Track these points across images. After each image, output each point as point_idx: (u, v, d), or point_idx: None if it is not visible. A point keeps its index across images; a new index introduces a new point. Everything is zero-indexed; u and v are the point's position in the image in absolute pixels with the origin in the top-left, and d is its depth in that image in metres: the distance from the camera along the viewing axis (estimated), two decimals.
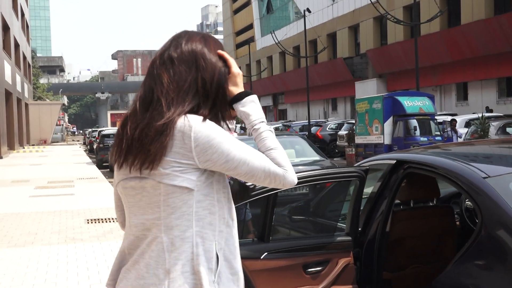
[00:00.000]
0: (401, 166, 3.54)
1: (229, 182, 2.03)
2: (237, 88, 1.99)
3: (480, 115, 18.26)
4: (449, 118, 20.42)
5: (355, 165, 3.96)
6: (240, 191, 2.49)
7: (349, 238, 3.58)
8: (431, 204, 3.95)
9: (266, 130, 1.96)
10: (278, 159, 1.90)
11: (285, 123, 37.45)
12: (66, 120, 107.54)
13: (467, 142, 4.79)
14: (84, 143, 53.42)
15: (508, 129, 17.67)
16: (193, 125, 1.83)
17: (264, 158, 1.89)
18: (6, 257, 7.69)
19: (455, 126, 17.08)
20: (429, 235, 3.89)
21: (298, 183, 3.39)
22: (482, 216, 2.67)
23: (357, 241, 3.62)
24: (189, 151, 1.83)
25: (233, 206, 1.99)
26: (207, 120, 1.87)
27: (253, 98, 1.99)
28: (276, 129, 31.07)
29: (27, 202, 13.13)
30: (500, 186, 2.72)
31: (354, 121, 22.04)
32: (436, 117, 19.22)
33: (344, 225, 3.79)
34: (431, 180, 3.86)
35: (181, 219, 1.86)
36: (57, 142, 60.38)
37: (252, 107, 1.98)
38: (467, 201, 4.39)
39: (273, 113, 60.20)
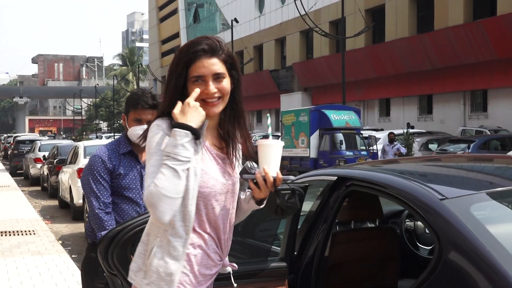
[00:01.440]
0: (343, 183, 3.17)
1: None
2: (182, 116, 2.02)
3: (404, 130, 18.43)
4: (374, 133, 20.53)
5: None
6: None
7: (284, 264, 3.16)
8: (372, 225, 3.61)
9: (165, 164, 1.97)
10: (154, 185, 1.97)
11: None
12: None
13: (411, 158, 4.51)
14: None
15: (431, 146, 17.89)
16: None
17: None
18: None
19: (393, 139, 16.45)
20: (370, 259, 3.54)
21: None
22: (440, 242, 2.33)
23: (292, 266, 3.21)
24: None
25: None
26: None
27: (179, 133, 1.98)
28: None
29: None
30: (458, 208, 2.40)
31: (280, 134, 21.92)
32: (361, 132, 19.25)
33: (277, 248, 3.37)
34: (374, 199, 3.52)
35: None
36: None
37: (172, 139, 2.00)
38: (407, 221, 4.08)
39: None
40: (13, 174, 24.04)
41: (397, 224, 4.11)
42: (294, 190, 2.21)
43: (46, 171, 17.45)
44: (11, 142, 33.68)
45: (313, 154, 18.42)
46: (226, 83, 2.11)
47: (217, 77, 2.08)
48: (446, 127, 25.87)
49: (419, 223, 3.85)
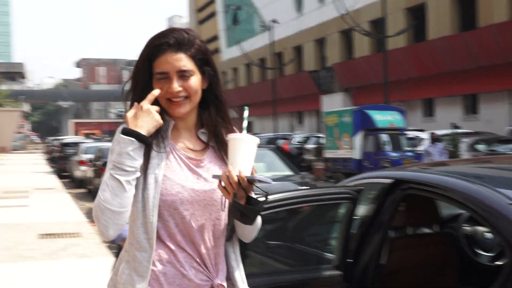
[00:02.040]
0: (399, 186, 3.03)
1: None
2: (133, 120, 1.85)
3: (450, 131, 17.99)
4: (419, 133, 20.12)
5: (345, 183, 3.44)
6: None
7: (339, 272, 3.03)
8: (429, 230, 3.46)
9: (110, 174, 1.82)
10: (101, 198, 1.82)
11: None
12: (28, 127, 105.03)
13: (467, 160, 4.33)
14: (46, 152, 51.98)
15: (478, 146, 17.43)
16: None
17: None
18: None
19: (437, 139, 15.99)
20: (427, 266, 3.39)
21: (278, 206, 2.86)
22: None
23: (347, 275, 3.08)
24: None
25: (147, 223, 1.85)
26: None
27: (123, 139, 1.82)
28: None
29: None
30: None
31: (321, 135, 21.61)
32: (406, 132, 18.87)
33: (328, 254, 3.25)
34: (431, 203, 3.37)
35: None
36: (17, 150, 58.66)
37: (117, 147, 1.84)
38: (465, 226, 3.91)
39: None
40: (59, 176, 24.42)
41: (454, 229, 3.94)
42: (266, 193, 1.88)
43: (90, 174, 17.65)
44: (57, 145, 34.27)
45: (357, 155, 18.11)
46: (194, 81, 1.87)
47: (182, 74, 1.86)
48: (493, 127, 25.24)
49: (479, 228, 3.68)
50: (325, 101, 38.01)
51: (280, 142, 28.94)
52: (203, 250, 1.88)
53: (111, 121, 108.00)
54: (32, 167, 30.29)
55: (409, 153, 17.37)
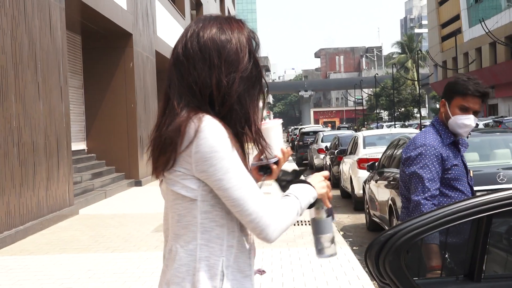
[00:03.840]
0: None
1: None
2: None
3: None
4: None
5: None
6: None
7: None
8: None
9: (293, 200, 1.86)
10: (280, 212, 1.78)
11: (495, 119, 34.54)
12: (272, 118, 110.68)
13: None
14: (287, 141, 54.42)
15: None
16: (201, 131, 1.68)
17: (262, 199, 1.73)
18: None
19: None
20: None
21: None
22: None
23: None
24: (189, 155, 1.70)
25: None
26: (220, 127, 1.70)
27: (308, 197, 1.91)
28: (486, 125, 28.67)
29: None
30: None
31: None
32: None
33: None
34: None
35: (186, 229, 1.75)
36: None
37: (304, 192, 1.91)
38: None
39: (483, 108, 56.25)
40: (299, 164, 25.28)
41: None
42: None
43: (328, 161, 17.94)
44: (297, 134, 35.56)
45: None
46: None
47: None
48: None
49: None
50: None
51: None
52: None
53: (350, 109, 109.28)
54: None
55: None
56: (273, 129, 1.95)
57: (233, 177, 1.69)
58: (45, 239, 9.17)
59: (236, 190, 1.69)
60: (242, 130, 1.80)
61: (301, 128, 37.33)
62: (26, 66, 9.89)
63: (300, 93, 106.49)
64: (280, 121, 1.99)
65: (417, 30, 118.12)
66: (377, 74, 77.49)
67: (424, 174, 3.23)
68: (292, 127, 60.05)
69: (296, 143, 30.90)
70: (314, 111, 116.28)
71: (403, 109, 70.50)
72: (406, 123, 51.42)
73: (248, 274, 1.80)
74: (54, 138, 10.94)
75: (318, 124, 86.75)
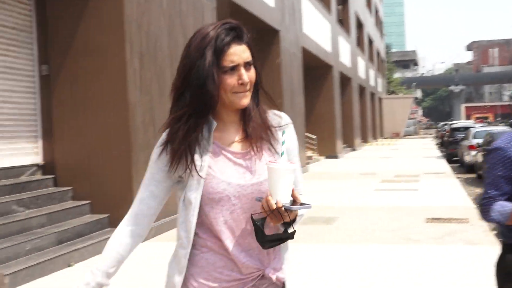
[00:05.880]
0: None
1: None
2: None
3: None
4: None
5: None
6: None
7: None
8: None
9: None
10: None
11: None
12: (420, 113, 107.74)
13: None
14: (436, 137, 52.71)
15: None
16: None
17: (138, 202, 1.96)
18: (339, 253, 7.59)
19: None
20: None
21: None
22: None
23: None
24: None
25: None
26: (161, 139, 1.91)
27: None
28: None
29: (371, 196, 13.12)
30: None
31: None
32: None
33: None
34: None
35: None
36: (410, 135, 60.68)
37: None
38: None
39: None
40: (449, 161, 24.40)
41: None
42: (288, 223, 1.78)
43: (480, 158, 17.15)
44: (447, 129, 34.32)
45: None
46: (253, 71, 1.90)
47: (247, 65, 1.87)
48: None
49: None
50: None
51: None
52: (254, 244, 1.85)
53: (505, 104, 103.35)
54: (423, 151, 30.93)
55: None
56: (275, 172, 1.74)
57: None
58: None
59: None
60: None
61: (451, 124, 36.00)
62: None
63: (450, 88, 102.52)
64: (293, 166, 1.76)
65: None
66: None
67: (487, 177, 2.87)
68: (441, 123, 58.01)
69: (445, 139, 29.85)
70: (465, 107, 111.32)
71: None
72: None
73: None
74: None
75: (470, 119, 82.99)
